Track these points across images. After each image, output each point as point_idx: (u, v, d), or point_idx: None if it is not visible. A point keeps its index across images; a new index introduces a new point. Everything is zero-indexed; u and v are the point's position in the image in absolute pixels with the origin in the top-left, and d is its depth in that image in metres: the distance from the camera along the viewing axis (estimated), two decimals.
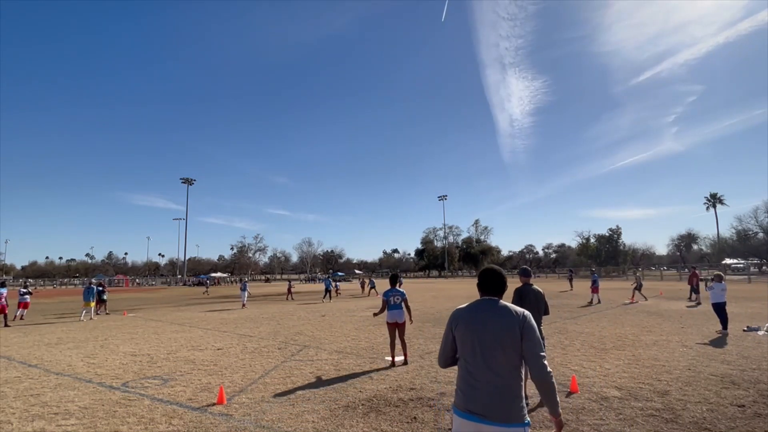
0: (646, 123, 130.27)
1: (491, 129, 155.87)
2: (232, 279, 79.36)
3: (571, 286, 28.87)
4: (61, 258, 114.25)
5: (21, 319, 16.12)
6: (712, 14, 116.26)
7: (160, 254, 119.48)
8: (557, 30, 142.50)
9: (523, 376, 2.13)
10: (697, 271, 19.30)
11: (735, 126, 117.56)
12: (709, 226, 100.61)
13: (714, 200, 73.95)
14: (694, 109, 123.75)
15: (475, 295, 2.80)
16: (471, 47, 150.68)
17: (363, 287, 31.37)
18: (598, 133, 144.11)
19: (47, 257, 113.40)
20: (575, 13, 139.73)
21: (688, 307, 16.04)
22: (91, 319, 16.11)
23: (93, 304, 16.60)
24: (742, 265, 59.03)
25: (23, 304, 16.49)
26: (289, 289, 27.07)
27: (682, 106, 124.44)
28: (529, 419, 2.07)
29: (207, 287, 38.24)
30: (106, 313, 18.12)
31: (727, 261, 59.14)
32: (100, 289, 18.32)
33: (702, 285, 18.69)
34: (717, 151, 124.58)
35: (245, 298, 20.62)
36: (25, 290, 17.15)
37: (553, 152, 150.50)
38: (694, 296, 18.09)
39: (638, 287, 19.20)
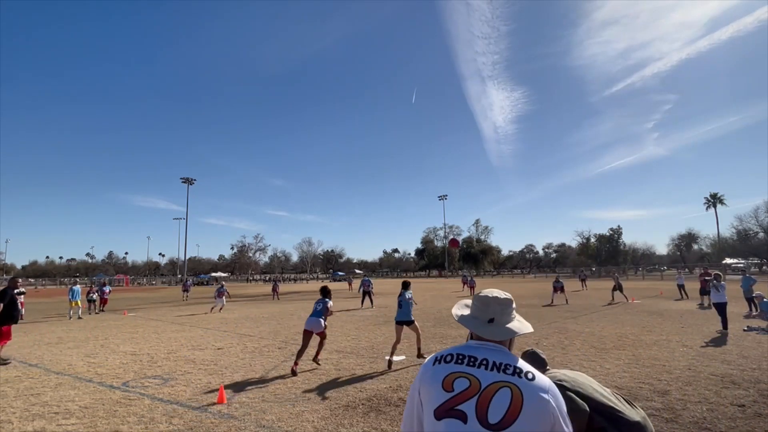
0: (627, 129, 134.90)
1: (477, 135, 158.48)
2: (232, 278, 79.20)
3: (585, 287, 28.92)
4: (61, 257, 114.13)
5: (20, 318, 16.11)
6: (673, 33, 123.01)
7: (160, 254, 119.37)
8: (531, 47, 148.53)
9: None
10: (708, 270, 17.29)
11: (717, 130, 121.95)
12: (709, 226, 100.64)
13: (714, 200, 73.86)
14: (671, 116, 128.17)
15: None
16: (450, 62, 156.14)
17: (350, 286, 31.54)
18: (581, 138, 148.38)
19: (47, 257, 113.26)
20: (546, 32, 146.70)
21: (702, 308, 15.22)
22: (79, 317, 16.22)
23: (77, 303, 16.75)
24: (742, 265, 58.90)
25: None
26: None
27: (659, 113, 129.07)
28: None
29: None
30: (96, 313, 18.48)
31: (728, 261, 59.02)
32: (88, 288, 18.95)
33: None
34: (706, 153, 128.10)
35: (223, 303, 18.20)
36: (17, 290, 17.00)
37: (539, 156, 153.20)
38: (705, 299, 16.36)
39: (618, 288, 19.12)
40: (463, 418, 1.18)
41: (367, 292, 19.60)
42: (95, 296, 18.90)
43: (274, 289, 27.70)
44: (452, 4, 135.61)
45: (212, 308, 18.15)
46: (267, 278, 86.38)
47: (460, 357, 1.30)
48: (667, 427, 4.17)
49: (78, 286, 17.70)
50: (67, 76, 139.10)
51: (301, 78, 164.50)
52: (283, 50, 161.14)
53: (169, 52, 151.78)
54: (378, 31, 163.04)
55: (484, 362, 1.27)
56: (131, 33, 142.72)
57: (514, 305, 1.43)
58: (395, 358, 7.35)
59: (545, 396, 1.19)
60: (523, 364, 1.28)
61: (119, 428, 4.41)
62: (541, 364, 2.70)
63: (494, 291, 1.46)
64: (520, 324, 1.41)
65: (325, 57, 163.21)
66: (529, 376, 1.23)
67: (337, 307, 19.55)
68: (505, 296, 1.43)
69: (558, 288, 18.97)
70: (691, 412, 4.56)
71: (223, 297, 18.27)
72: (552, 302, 18.51)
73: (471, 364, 1.27)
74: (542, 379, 1.25)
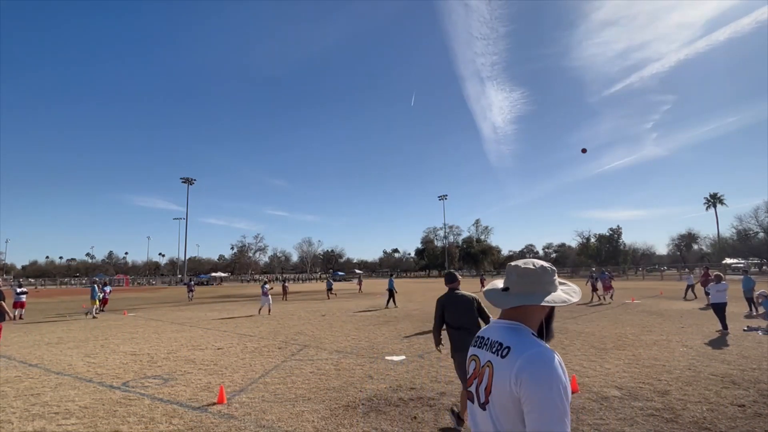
0: (626, 129, 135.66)
1: (476, 135, 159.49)
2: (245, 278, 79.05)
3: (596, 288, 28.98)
4: (61, 258, 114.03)
5: (20, 318, 16.15)
6: (672, 33, 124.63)
7: (160, 254, 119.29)
8: (529, 47, 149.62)
9: None
10: (709, 271, 18.20)
11: (716, 131, 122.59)
12: (709, 226, 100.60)
13: (714, 200, 73.85)
14: (670, 116, 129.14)
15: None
16: (449, 62, 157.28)
17: (360, 286, 31.84)
18: (579, 139, 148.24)
19: (47, 257, 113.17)
20: (544, 33, 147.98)
21: (701, 309, 15.13)
22: (94, 317, 16.29)
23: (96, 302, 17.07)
24: (742, 265, 58.90)
25: (19, 304, 16.44)
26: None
27: (658, 113, 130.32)
28: None
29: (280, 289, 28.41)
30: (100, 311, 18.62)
31: (728, 261, 58.99)
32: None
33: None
34: (705, 153, 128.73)
35: (269, 302, 16.53)
36: (21, 290, 17.14)
37: (538, 157, 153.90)
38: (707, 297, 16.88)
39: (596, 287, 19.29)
40: (472, 398, 1.34)
41: (392, 292, 18.80)
42: (101, 295, 19.25)
43: (284, 290, 28.07)
44: (451, 4, 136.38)
45: (260, 309, 16.64)
46: (261, 278, 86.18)
47: (478, 339, 1.42)
48: (667, 427, 4.17)
49: (95, 285, 18.24)
50: (67, 74, 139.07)
51: (300, 78, 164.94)
52: (282, 50, 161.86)
53: (170, 51, 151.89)
54: (377, 31, 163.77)
55: (487, 342, 1.33)
56: (132, 31, 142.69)
57: (540, 276, 1.30)
58: (395, 358, 7.40)
59: (512, 372, 1.15)
60: (510, 340, 1.23)
61: (119, 428, 4.41)
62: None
63: (525, 261, 1.36)
64: (537, 295, 1.28)
65: (324, 57, 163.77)
66: (504, 353, 1.21)
67: (338, 307, 19.58)
68: (527, 265, 1.33)
69: (605, 281, 18.61)
70: (691, 412, 4.56)
71: (269, 295, 16.64)
72: (601, 299, 18.44)
73: (480, 345, 1.37)
74: (518, 352, 1.17)
